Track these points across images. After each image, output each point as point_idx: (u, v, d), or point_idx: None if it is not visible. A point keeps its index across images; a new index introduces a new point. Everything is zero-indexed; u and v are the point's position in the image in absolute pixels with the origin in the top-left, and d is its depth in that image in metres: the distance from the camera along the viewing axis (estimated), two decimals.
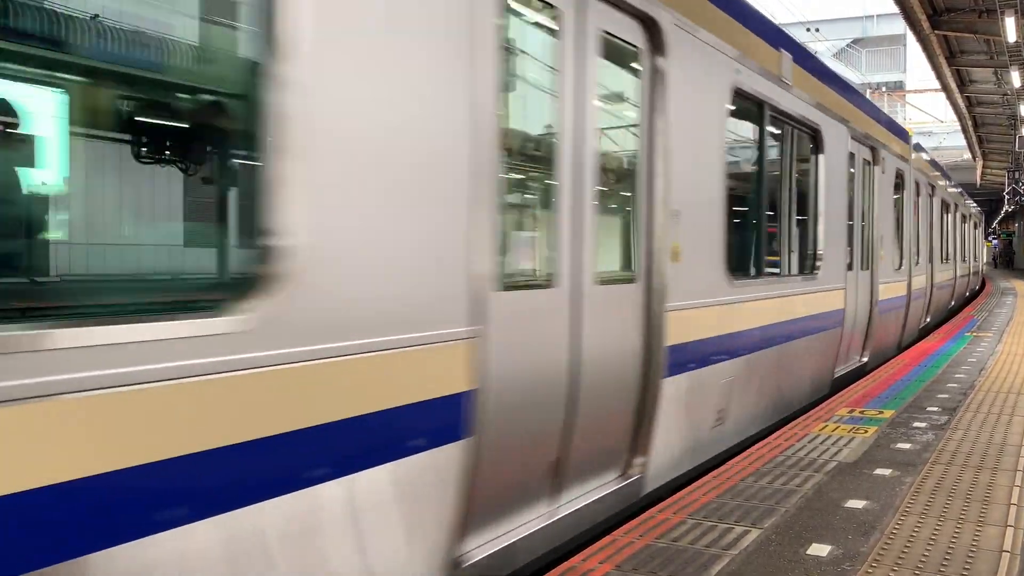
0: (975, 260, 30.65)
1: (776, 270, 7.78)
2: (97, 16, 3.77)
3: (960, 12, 15.85)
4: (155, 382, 2.31)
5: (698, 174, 5.66)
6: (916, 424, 6.77)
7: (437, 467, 3.37)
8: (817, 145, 8.44)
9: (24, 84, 3.78)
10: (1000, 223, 63.21)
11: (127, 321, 2.28)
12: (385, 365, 3.07)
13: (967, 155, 41.13)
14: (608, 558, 3.83)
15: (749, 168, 7.13)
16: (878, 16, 58.91)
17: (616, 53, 4.80)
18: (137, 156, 4.45)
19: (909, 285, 13.53)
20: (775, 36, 7.23)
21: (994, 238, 67.38)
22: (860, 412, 7.28)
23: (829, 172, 8.67)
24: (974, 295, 28.73)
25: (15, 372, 2.05)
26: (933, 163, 18.00)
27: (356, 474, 3.00)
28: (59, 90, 3.95)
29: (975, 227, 31.06)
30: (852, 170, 9.76)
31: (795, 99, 7.60)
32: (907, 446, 6.02)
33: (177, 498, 2.41)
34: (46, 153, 3.89)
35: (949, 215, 20.69)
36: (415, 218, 3.19)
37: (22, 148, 3.83)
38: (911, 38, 17.61)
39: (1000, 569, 3.72)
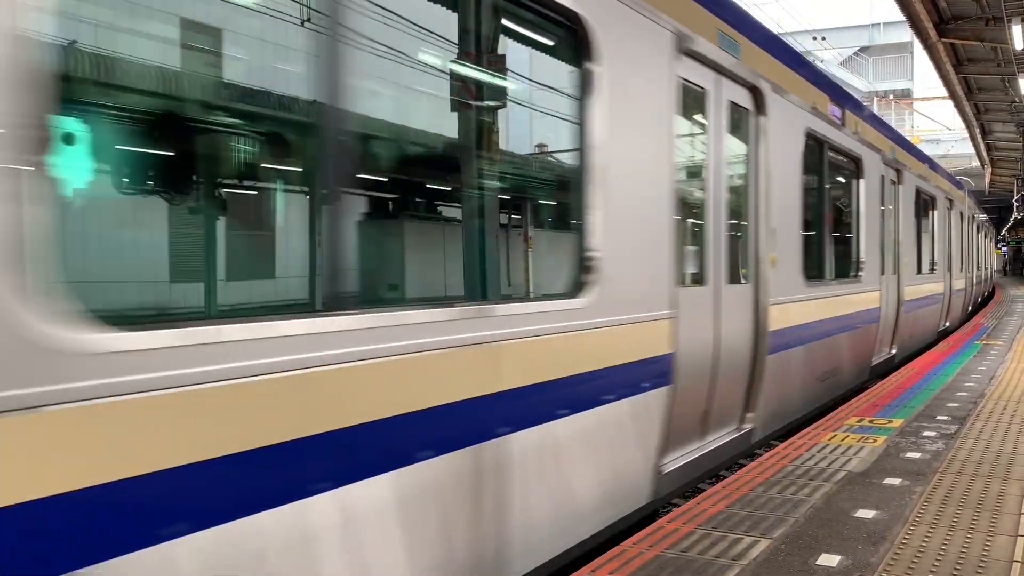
0: (988, 268, 30.81)
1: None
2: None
3: (967, 20, 15.79)
4: (557, 334, 4.15)
5: (785, 199, 7.31)
6: (926, 433, 6.76)
7: (655, 402, 5.08)
8: (858, 171, 10.17)
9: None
10: (1009, 230, 62.84)
11: (555, 299, 4.44)
12: (637, 331, 4.87)
13: (975, 162, 40.97)
14: (618, 569, 3.84)
15: (814, 191, 8.73)
16: (884, 24, 58.69)
17: (735, 114, 6.44)
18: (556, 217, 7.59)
19: (949, 284, 16.13)
20: (829, 85, 9.09)
21: (1003, 245, 67.03)
22: (869, 421, 7.27)
23: (867, 193, 10.36)
24: (987, 299, 28.66)
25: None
26: (947, 174, 18.24)
27: (627, 398, 4.80)
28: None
29: (986, 236, 31.12)
30: (883, 189, 11.36)
31: (843, 135, 9.32)
32: (917, 455, 6.01)
33: (562, 403, 4.23)
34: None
35: (966, 224, 21.03)
36: (648, 240, 5.03)
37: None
38: (918, 46, 17.56)
39: None
